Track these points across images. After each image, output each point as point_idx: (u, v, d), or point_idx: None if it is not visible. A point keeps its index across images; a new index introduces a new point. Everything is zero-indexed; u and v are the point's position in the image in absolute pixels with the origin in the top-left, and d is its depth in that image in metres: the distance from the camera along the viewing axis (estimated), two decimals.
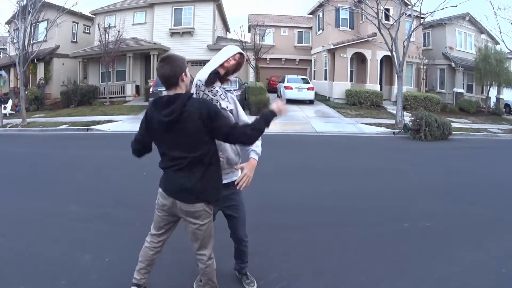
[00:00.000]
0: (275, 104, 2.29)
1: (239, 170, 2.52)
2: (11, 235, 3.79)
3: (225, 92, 2.47)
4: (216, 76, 2.39)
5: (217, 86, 2.43)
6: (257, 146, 2.45)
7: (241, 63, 2.49)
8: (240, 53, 2.44)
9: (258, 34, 19.88)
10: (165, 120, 2.06)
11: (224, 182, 2.43)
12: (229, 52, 2.41)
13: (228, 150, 2.44)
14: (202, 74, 2.40)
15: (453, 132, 11.82)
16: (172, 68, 2.12)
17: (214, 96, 2.39)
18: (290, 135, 11.48)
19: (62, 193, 5.25)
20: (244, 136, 2.16)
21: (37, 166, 7.19)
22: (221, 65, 2.38)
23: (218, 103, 2.38)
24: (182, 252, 3.41)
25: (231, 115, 2.45)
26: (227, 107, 2.43)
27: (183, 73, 2.15)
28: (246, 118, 2.55)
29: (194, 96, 2.35)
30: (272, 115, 2.26)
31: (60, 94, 18.47)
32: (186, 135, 2.09)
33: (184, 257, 3.30)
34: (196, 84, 2.40)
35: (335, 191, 5.54)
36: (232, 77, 2.57)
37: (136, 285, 2.42)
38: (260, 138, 2.40)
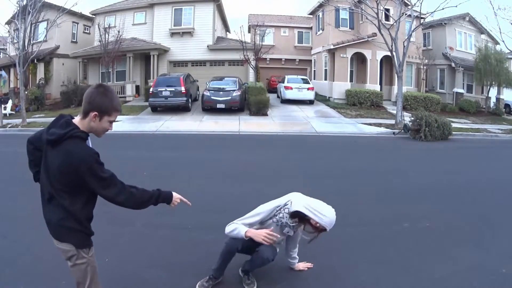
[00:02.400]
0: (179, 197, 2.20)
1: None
2: (11, 235, 3.79)
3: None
4: (304, 220, 2.61)
5: (288, 220, 2.65)
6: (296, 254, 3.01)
7: (319, 232, 2.62)
8: (324, 229, 2.57)
9: (258, 34, 19.86)
10: (47, 137, 1.88)
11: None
12: (321, 218, 2.53)
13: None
14: (300, 204, 2.60)
15: (453, 132, 11.83)
16: (90, 97, 1.91)
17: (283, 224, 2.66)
18: (290, 135, 11.47)
19: None
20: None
21: None
22: (309, 218, 2.56)
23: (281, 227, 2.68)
24: (184, 252, 3.42)
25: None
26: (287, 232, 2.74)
27: (96, 113, 1.89)
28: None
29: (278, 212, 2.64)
30: (168, 199, 2.12)
31: (60, 94, 18.47)
32: (54, 167, 1.88)
33: (187, 257, 3.31)
34: (286, 204, 2.64)
35: (335, 191, 5.54)
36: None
37: None
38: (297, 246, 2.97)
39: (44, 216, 2.03)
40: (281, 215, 2.64)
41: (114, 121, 1.99)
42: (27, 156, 2.12)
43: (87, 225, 2.02)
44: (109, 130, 2.01)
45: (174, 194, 2.16)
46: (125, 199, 1.96)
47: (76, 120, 1.94)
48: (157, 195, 2.08)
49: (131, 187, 2.01)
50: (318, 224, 2.54)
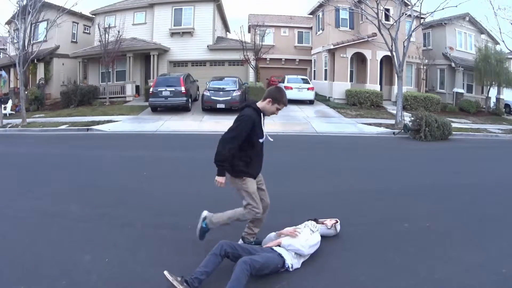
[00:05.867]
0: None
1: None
2: (11, 235, 3.79)
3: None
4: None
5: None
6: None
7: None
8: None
9: (258, 34, 19.88)
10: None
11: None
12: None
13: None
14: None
15: (453, 132, 11.82)
16: (270, 90, 3.22)
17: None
18: (290, 135, 11.47)
19: (62, 193, 5.25)
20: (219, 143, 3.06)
21: (37, 166, 7.19)
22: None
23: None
24: (184, 252, 3.42)
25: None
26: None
27: (271, 100, 3.12)
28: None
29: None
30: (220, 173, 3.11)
31: (60, 94, 18.46)
32: None
33: (187, 257, 3.30)
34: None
35: (335, 191, 5.55)
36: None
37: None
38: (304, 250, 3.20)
39: None
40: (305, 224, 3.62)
41: (280, 109, 3.21)
42: None
43: (240, 164, 3.12)
44: (275, 114, 3.28)
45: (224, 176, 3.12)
46: (222, 147, 2.99)
47: (258, 102, 3.18)
48: (222, 168, 3.07)
49: (230, 153, 3.03)
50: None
